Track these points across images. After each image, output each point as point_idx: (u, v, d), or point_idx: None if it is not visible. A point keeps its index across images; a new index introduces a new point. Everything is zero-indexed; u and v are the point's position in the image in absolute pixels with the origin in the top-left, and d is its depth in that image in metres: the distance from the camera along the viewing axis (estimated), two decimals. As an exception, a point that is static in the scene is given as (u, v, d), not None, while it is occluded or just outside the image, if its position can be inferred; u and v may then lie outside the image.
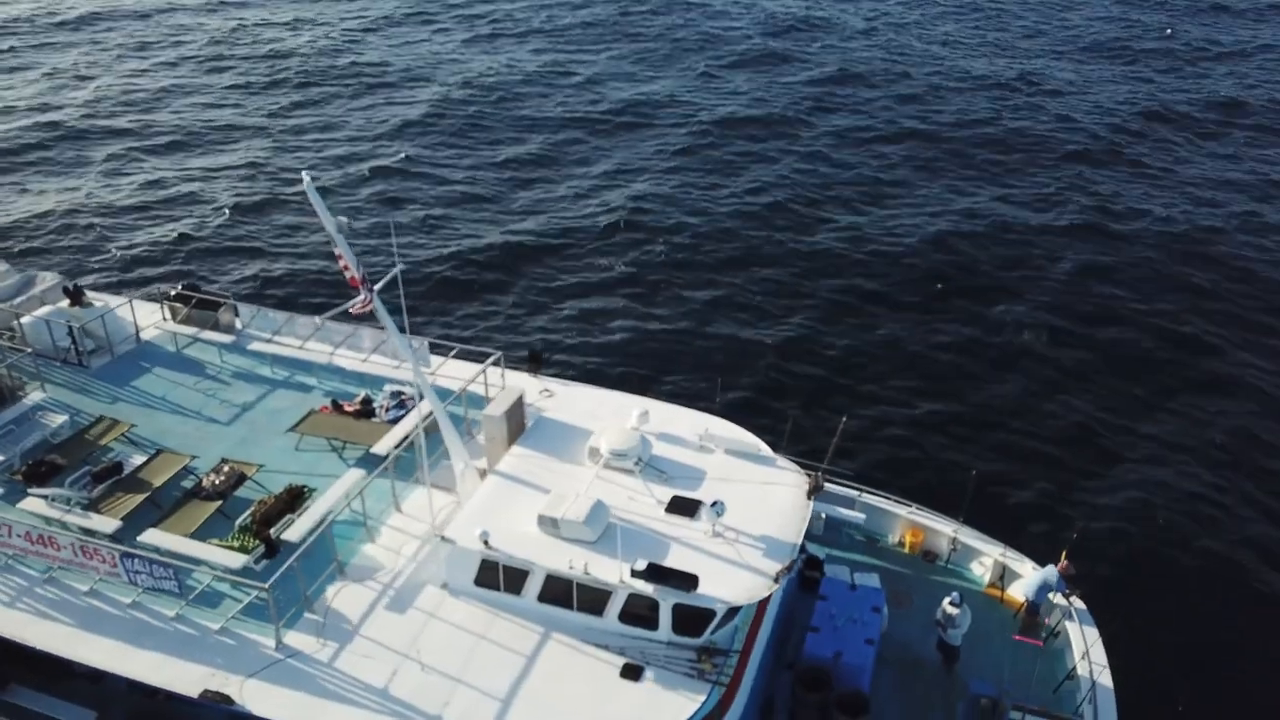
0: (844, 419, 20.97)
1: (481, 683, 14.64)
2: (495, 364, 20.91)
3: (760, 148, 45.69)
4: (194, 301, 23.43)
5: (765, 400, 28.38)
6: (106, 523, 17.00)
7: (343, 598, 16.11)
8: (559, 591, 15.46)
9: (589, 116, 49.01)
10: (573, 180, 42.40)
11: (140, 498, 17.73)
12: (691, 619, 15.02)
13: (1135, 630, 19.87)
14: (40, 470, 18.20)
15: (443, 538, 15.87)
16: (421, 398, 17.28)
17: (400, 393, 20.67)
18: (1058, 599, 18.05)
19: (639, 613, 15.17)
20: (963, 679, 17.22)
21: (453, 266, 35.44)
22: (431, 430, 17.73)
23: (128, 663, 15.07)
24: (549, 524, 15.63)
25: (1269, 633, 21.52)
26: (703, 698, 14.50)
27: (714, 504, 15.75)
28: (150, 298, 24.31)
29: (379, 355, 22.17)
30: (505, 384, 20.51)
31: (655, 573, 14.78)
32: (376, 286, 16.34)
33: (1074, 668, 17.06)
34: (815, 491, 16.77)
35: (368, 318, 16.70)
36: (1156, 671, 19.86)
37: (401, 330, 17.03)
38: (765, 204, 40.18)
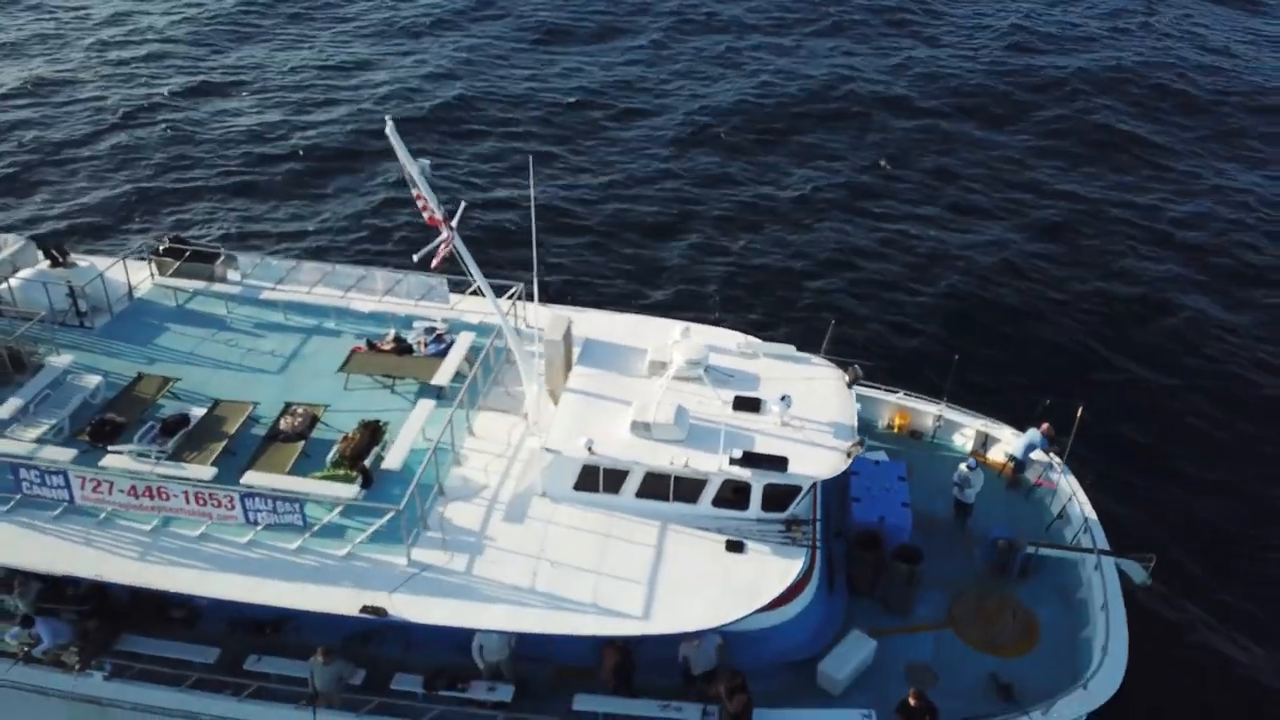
0: (832, 322, 23.60)
1: (609, 569, 16.41)
2: (518, 296, 22.13)
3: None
4: (187, 254, 23.26)
5: (757, 310, 30.95)
6: (201, 470, 17.44)
7: (451, 515, 17.36)
8: (655, 486, 17.30)
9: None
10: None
11: (218, 445, 18.19)
12: (779, 496, 17.23)
13: (1110, 479, 23.40)
14: (105, 429, 18.27)
15: (547, 449, 17.33)
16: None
17: (433, 329, 21.59)
18: (1038, 455, 21.33)
19: (728, 496, 17.25)
20: (976, 530, 20.26)
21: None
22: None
23: (269, 594, 15.90)
24: (642, 428, 17.36)
25: (1229, 466, 25.78)
26: (801, 560, 16.84)
27: (783, 397, 17.92)
28: (137, 254, 23.84)
29: (392, 295, 22.84)
30: (528, 315, 21.80)
31: (750, 459, 16.87)
32: (454, 222, 17.44)
33: (1064, 508, 20.41)
34: (855, 381, 19.22)
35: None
36: (1135, 511, 23.54)
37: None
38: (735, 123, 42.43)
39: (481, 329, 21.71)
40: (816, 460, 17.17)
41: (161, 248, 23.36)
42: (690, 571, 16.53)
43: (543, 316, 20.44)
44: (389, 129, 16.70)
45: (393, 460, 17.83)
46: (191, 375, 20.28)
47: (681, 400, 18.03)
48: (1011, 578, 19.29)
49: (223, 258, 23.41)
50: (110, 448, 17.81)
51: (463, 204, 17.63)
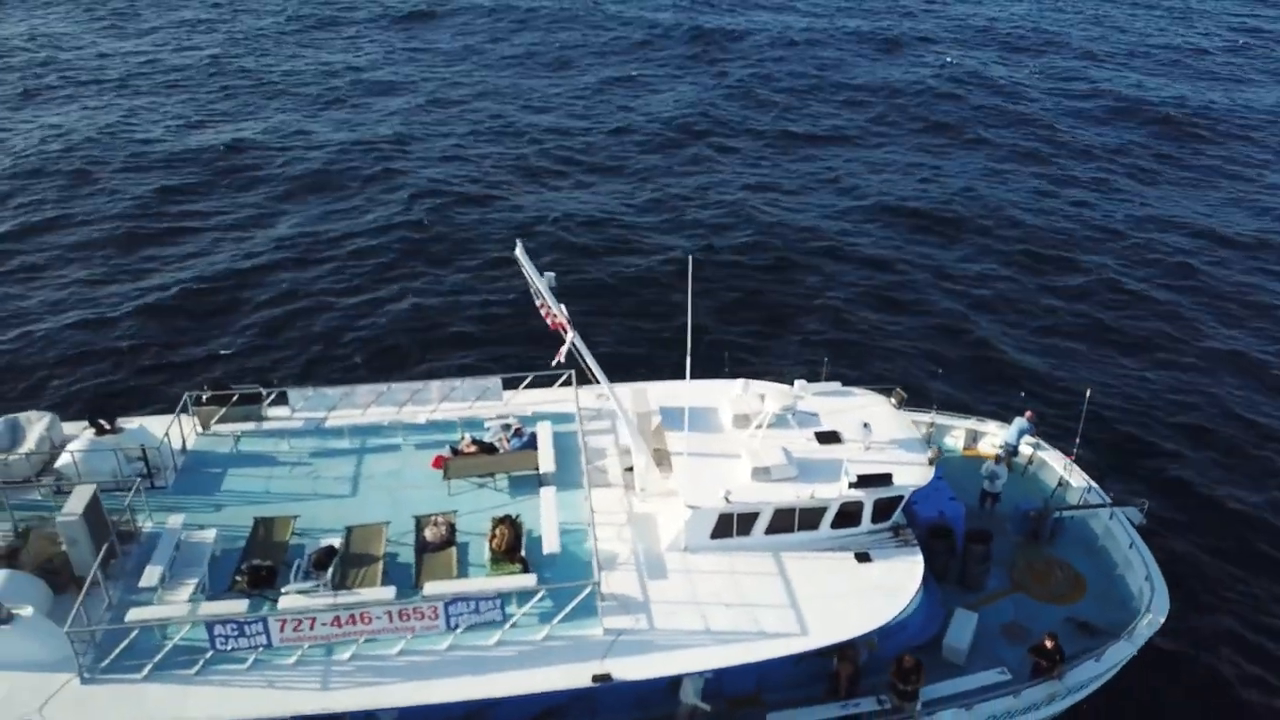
0: (825, 359, 27.12)
1: (771, 598, 18.82)
2: (567, 383, 24.19)
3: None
4: (234, 399, 23.65)
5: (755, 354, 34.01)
6: (381, 591, 18.36)
7: (610, 583, 19.18)
8: (782, 521, 19.91)
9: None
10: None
11: (377, 566, 19.15)
12: (885, 508, 20.28)
13: (1093, 453, 27.89)
14: (260, 575, 18.78)
15: (690, 505, 19.56)
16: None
17: (509, 425, 23.22)
18: (1028, 439, 25.55)
19: (843, 515, 20.13)
20: (1005, 510, 24.07)
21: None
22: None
23: (502, 686, 17.18)
24: (762, 473, 19.97)
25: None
26: (920, 557, 19.96)
27: (865, 424, 21.07)
28: (180, 408, 23.89)
29: (448, 402, 24.23)
30: (579, 396, 23.95)
31: (864, 480, 19.83)
32: (570, 334, 19.65)
33: (1061, 477, 24.62)
34: (902, 403, 22.66)
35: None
36: (1117, 470, 28.31)
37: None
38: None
39: (551, 417, 23.62)
40: (910, 472, 20.37)
41: (205, 397, 23.59)
42: (838, 585, 19.24)
43: (624, 396, 22.48)
44: (518, 250, 18.74)
45: (551, 545, 19.49)
46: (304, 510, 20.93)
47: (779, 443, 20.78)
48: (1044, 540, 23.23)
49: (273, 396, 23.96)
50: (285, 589, 18.38)
51: (564, 308, 19.79)
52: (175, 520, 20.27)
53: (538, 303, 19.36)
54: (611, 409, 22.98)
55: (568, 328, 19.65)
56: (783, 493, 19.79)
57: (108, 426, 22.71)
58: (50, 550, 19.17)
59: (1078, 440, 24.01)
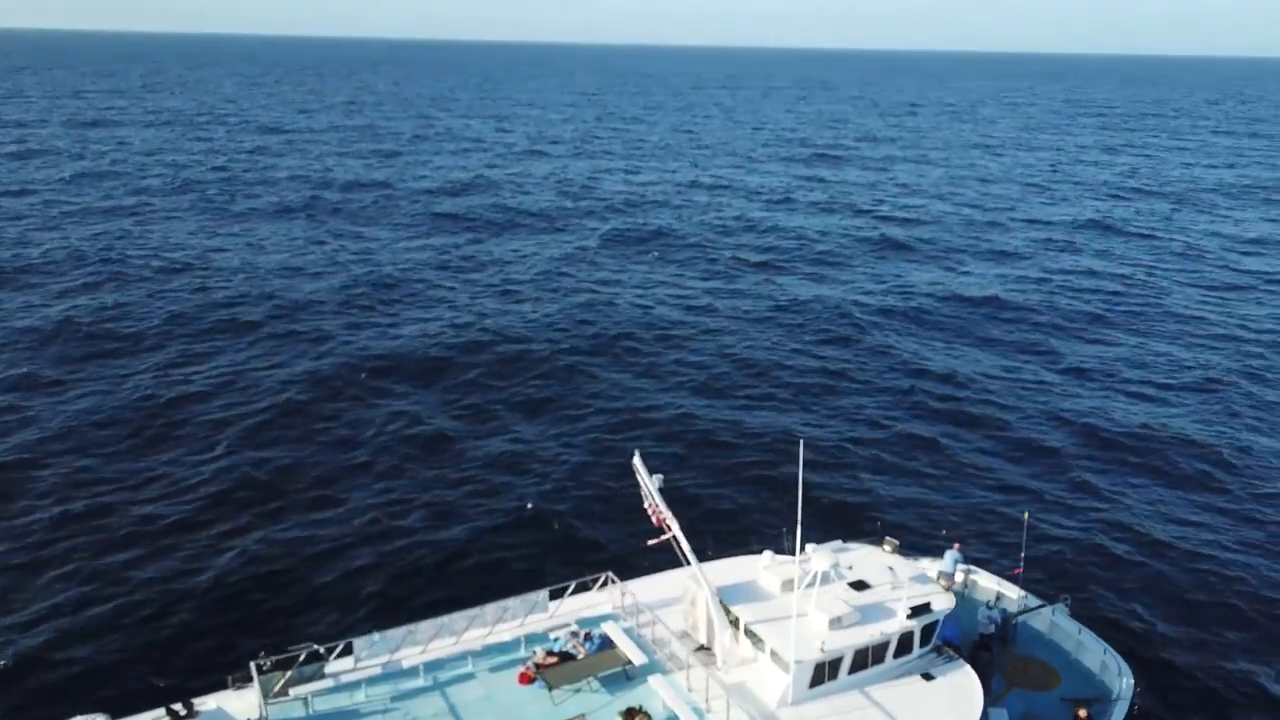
0: (784, 530, 31.45)
1: None
2: (609, 582, 26.56)
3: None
4: (301, 659, 23.49)
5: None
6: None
7: None
8: (859, 659, 23.45)
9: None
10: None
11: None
12: (927, 632, 24.45)
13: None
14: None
15: (797, 661, 22.56)
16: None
17: (576, 632, 24.99)
18: (961, 566, 31.01)
19: (901, 645, 24.04)
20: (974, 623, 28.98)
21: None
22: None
23: None
24: (836, 622, 23.53)
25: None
26: (969, 668, 24.18)
27: (890, 567, 25.39)
28: (235, 682, 23.23)
29: (502, 622, 25.52)
30: (624, 592, 26.42)
31: (914, 611, 23.98)
32: (673, 529, 22.74)
33: (997, 593, 30.13)
34: (897, 549, 27.28)
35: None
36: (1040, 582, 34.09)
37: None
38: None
39: (604, 618, 25.74)
40: (940, 599, 24.85)
41: (266, 664, 23.25)
42: (924, 702, 22.92)
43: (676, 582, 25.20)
44: (636, 461, 21.70)
45: (691, 721, 21.63)
46: None
47: (835, 595, 24.50)
48: (1012, 642, 28.36)
49: (338, 648, 24.01)
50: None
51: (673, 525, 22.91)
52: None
53: (645, 504, 22.31)
54: (635, 604, 25.79)
55: (670, 524, 22.63)
56: (858, 635, 23.43)
57: (183, 712, 21.82)
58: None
59: (1022, 556, 29.81)
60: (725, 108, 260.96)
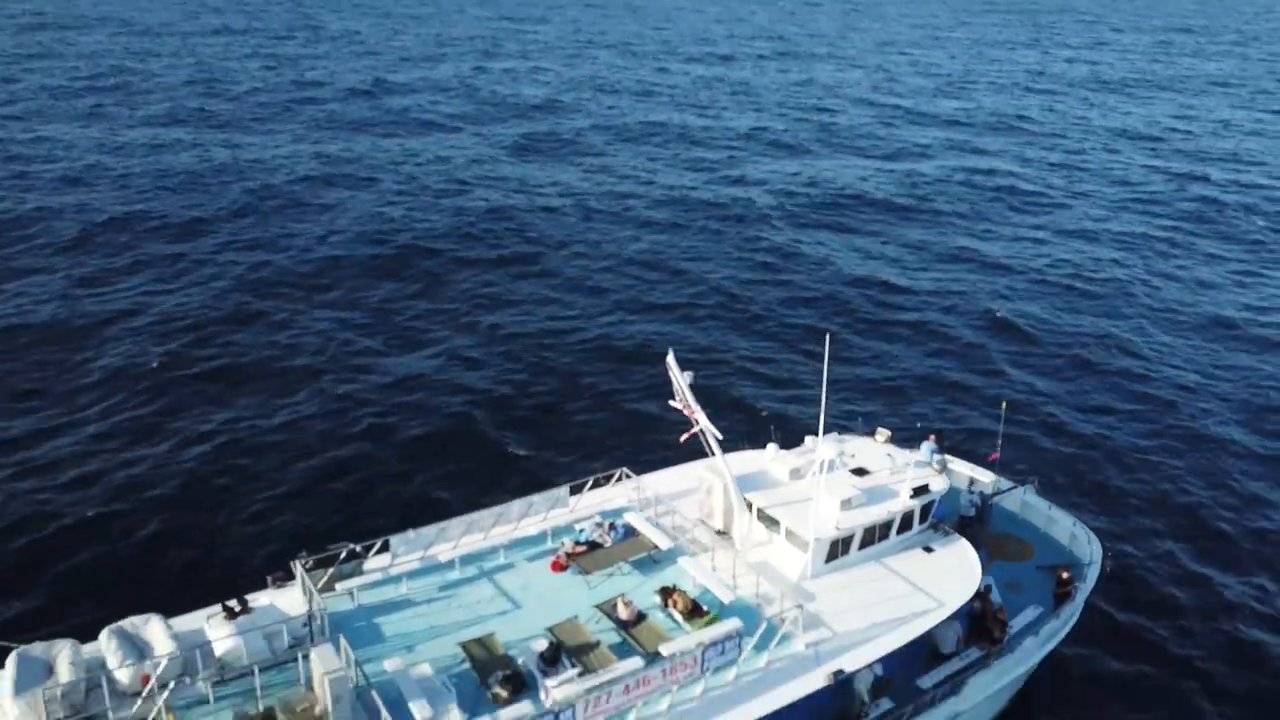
0: (772, 427, 33.25)
1: (895, 593, 24.16)
2: (624, 477, 27.98)
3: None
4: (341, 557, 24.36)
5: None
6: (631, 663, 21.04)
7: (771, 614, 23.36)
8: (867, 536, 25.42)
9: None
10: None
11: (601, 647, 21.70)
12: (925, 510, 26.51)
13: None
14: (510, 682, 20.54)
15: (817, 539, 24.39)
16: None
17: (600, 524, 26.38)
18: (938, 457, 33.28)
19: (903, 523, 26.10)
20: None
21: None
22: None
23: (773, 702, 20.82)
24: (847, 504, 25.40)
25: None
26: (964, 540, 26.38)
27: (889, 454, 27.36)
28: (275, 581, 23.99)
29: (527, 518, 26.73)
30: (643, 485, 27.92)
31: (916, 492, 26.01)
32: (701, 423, 24.19)
33: (971, 478, 32.53)
34: (890, 439, 29.25)
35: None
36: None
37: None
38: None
39: (623, 510, 27.19)
40: (936, 481, 26.93)
41: (309, 563, 23.99)
42: (928, 571, 25.08)
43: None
44: (669, 359, 22.95)
45: (725, 596, 23.34)
46: (489, 628, 22.62)
47: (839, 482, 26.34)
48: (988, 524, 30.83)
49: (376, 545, 24.91)
50: (547, 684, 20.34)
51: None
52: (391, 664, 21.18)
53: (676, 400, 23.68)
54: (651, 497, 27.39)
55: (699, 419, 24.04)
56: (867, 515, 25.37)
57: (238, 609, 22.55)
58: (309, 716, 19.43)
59: (999, 443, 32.16)
60: (632, 7, 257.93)
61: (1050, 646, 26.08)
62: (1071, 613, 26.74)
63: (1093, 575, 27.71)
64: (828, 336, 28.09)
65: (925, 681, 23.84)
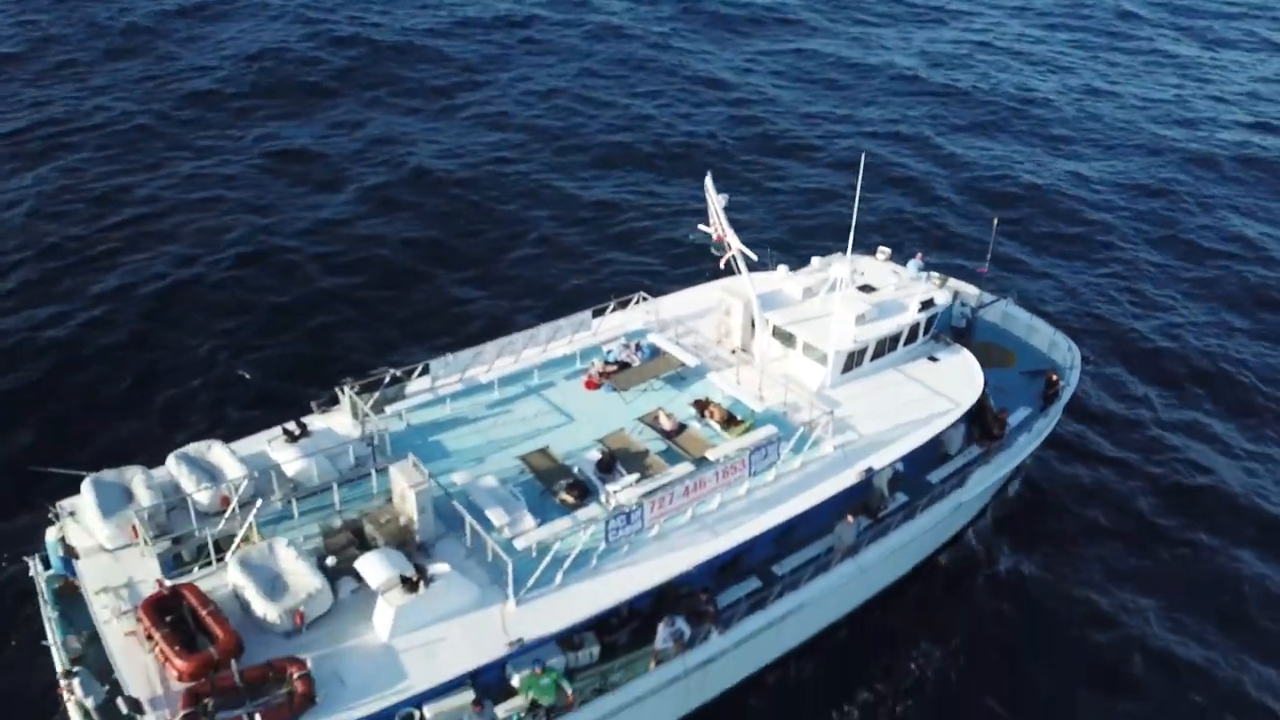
0: (770, 250, 34.39)
1: (910, 398, 26.13)
2: (643, 299, 29.05)
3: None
4: (386, 381, 25.18)
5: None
6: (684, 467, 22.75)
7: (804, 418, 25.20)
8: (879, 347, 27.16)
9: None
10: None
11: (650, 455, 23.37)
12: (929, 322, 28.27)
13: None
14: (574, 489, 22.12)
15: (837, 350, 26.03)
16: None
17: (627, 344, 27.57)
18: (921, 274, 34.96)
19: (910, 334, 27.84)
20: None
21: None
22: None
23: (814, 498, 22.92)
24: (860, 318, 26.96)
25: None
26: (965, 350, 28.36)
27: (894, 271, 28.85)
28: (319, 406, 24.78)
29: (554, 341, 27.74)
30: (658, 308, 29.06)
31: (923, 305, 27.67)
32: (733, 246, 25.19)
33: (955, 293, 34.39)
34: (890, 256, 30.67)
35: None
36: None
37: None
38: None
39: (643, 332, 28.41)
40: (939, 295, 28.60)
41: (356, 389, 24.71)
42: (936, 376, 27.06)
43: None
44: (707, 181, 23.68)
45: (756, 405, 25.06)
46: (540, 442, 24.00)
47: (853, 298, 27.77)
48: (973, 333, 32.93)
49: (417, 369, 25.76)
50: (608, 489, 21.98)
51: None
52: (459, 477, 22.50)
53: (710, 224, 24.68)
54: (668, 319, 28.69)
55: (731, 241, 25.04)
56: (879, 328, 27.01)
57: (297, 432, 23.40)
58: (393, 526, 20.73)
59: (988, 257, 33.91)
60: None
61: (1039, 441, 28.65)
62: (1057, 412, 29.28)
63: (1074, 378, 30.16)
64: (863, 156, 28.90)
65: (934, 477, 26.19)
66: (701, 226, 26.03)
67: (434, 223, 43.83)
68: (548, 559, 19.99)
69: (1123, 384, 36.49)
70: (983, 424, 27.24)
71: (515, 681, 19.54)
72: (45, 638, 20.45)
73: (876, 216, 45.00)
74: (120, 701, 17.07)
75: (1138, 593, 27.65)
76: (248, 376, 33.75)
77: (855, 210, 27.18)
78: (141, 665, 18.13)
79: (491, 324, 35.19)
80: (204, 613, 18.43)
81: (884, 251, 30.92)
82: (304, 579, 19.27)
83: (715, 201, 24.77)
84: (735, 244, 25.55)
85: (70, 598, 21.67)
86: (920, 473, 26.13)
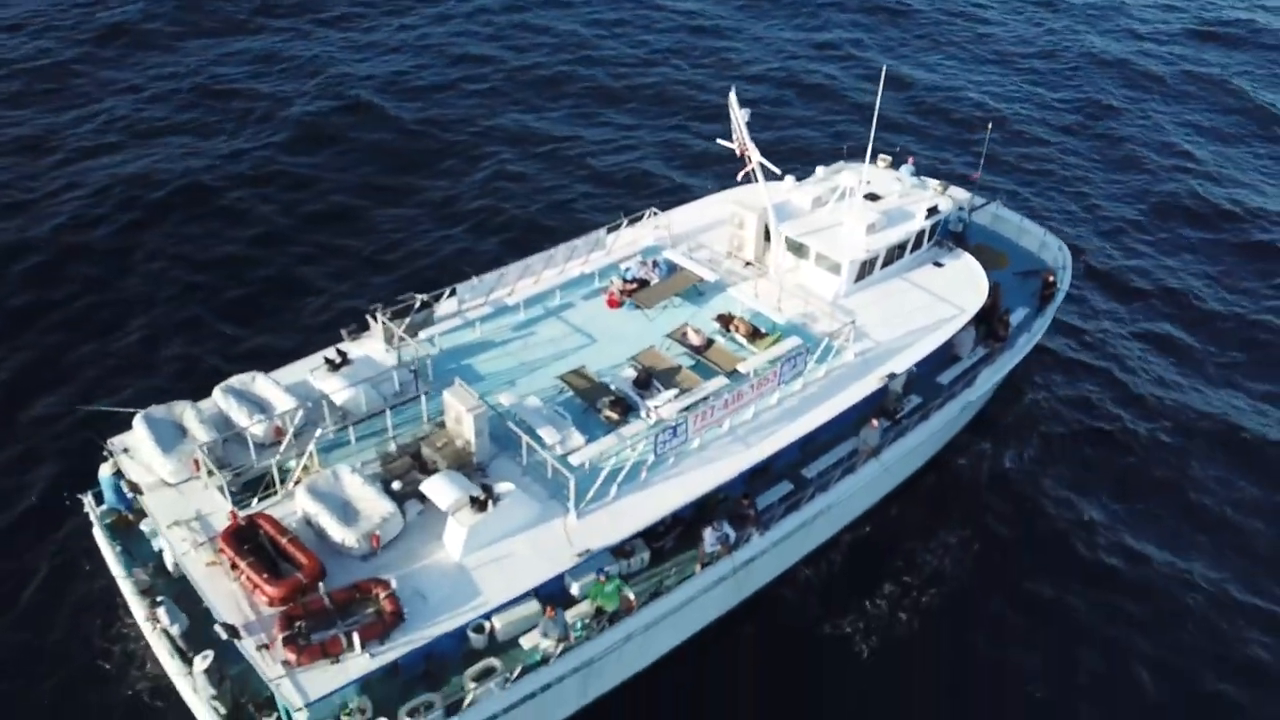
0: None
1: (919, 304, 27.19)
2: (655, 212, 29.56)
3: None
4: (417, 306, 25.51)
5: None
6: (718, 381, 23.71)
7: (823, 328, 26.16)
8: (888, 255, 28.08)
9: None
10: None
11: (684, 370, 24.29)
12: (933, 229, 29.22)
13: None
14: (618, 407, 22.97)
15: (851, 260, 26.91)
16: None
17: (645, 262, 28.13)
18: (913, 178, 35.74)
19: (916, 242, 28.76)
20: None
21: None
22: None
23: (843, 402, 24.06)
24: (870, 227, 27.78)
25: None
26: (969, 255, 29.43)
27: (897, 178, 29.64)
28: (350, 334, 25.13)
29: (572, 260, 28.20)
30: (670, 221, 29.60)
31: (929, 212, 28.55)
32: (755, 159, 25.70)
33: (948, 190, 35.27)
34: (891, 164, 31.36)
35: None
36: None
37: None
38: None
39: (657, 248, 28.99)
40: (942, 201, 29.50)
41: (385, 317, 25.01)
42: (943, 281, 28.12)
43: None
44: (731, 97, 24.02)
45: (778, 317, 25.99)
46: (574, 362, 24.71)
47: (858, 207, 28.52)
48: (969, 236, 33.97)
49: (443, 294, 26.13)
50: (649, 405, 22.91)
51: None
52: (505, 398, 23.20)
53: (734, 139, 25.11)
54: (680, 233, 29.33)
55: (752, 153, 25.51)
56: (888, 236, 27.89)
57: (339, 360, 23.79)
58: (451, 450, 21.45)
59: (982, 162, 34.76)
60: None
61: (1036, 340, 30.08)
62: (1053, 311, 30.66)
63: (1066, 278, 31.49)
64: (883, 69, 29.29)
65: (944, 378, 27.50)
66: (721, 140, 26.45)
67: (381, 157, 43.05)
68: (604, 474, 20.97)
69: (1088, 300, 37.95)
70: (989, 325, 28.50)
71: (575, 590, 20.74)
72: (85, 571, 20.95)
73: (849, 127, 45.59)
74: (219, 628, 17.85)
75: (1111, 498, 29.32)
76: (220, 326, 33.45)
77: (874, 120, 27.79)
78: (228, 593, 18.85)
79: (464, 256, 35.54)
80: (283, 541, 19.12)
81: (884, 158, 31.57)
82: (375, 504, 20.00)
83: (738, 115, 25.18)
84: (756, 156, 26.05)
85: (124, 531, 22.27)
86: (933, 375, 27.40)
